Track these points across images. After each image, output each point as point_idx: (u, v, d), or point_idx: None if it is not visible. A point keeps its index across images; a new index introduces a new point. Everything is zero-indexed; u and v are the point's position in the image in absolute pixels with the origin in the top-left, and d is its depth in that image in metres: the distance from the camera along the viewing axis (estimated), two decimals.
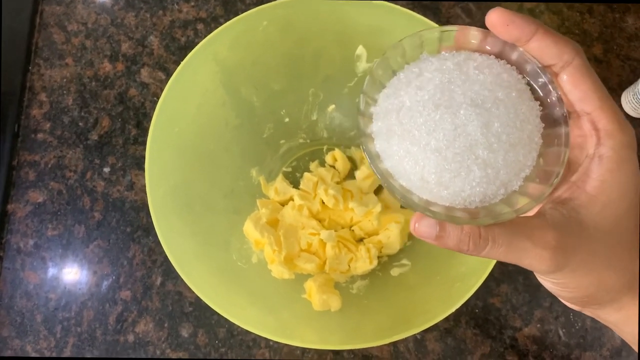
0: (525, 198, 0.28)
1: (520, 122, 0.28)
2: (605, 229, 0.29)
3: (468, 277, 0.45)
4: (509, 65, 0.30)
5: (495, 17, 0.28)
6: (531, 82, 0.30)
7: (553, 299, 0.55)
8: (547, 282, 0.32)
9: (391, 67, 0.31)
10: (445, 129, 0.27)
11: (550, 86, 0.29)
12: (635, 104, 0.58)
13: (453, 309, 0.44)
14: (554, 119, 0.29)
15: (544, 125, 0.29)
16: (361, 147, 0.30)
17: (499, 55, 0.30)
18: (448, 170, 0.27)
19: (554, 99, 0.29)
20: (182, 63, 0.48)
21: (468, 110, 0.27)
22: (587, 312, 0.33)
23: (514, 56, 0.30)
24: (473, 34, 0.30)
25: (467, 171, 0.27)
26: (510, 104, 0.28)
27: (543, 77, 0.29)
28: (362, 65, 0.54)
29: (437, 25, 0.47)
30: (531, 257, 0.28)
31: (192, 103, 0.50)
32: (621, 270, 0.30)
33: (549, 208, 0.29)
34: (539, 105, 0.29)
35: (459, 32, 0.30)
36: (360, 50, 0.53)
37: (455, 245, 0.28)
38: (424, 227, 0.29)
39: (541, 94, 0.30)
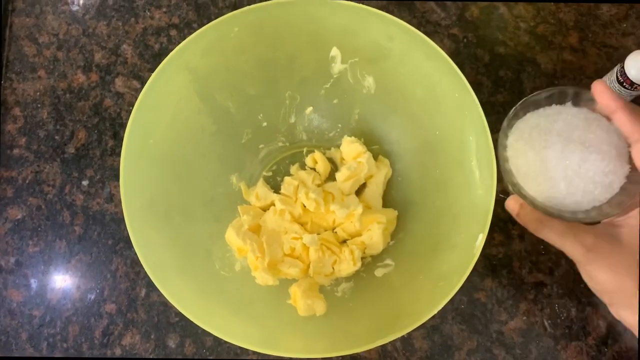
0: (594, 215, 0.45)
1: (607, 173, 0.45)
2: (633, 249, 0.42)
3: (450, 275, 0.45)
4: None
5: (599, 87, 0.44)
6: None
7: (537, 291, 0.56)
8: (583, 274, 0.43)
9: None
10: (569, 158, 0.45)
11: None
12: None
13: (437, 309, 0.44)
14: (635, 181, 0.45)
15: (625, 182, 0.45)
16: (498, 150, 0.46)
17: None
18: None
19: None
20: (153, 74, 0.47)
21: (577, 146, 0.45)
22: (613, 311, 0.43)
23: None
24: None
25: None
26: (609, 158, 0.44)
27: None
28: (337, 67, 0.54)
29: (407, 25, 0.47)
30: (571, 246, 0.42)
31: (165, 113, 0.50)
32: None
33: (602, 223, 0.45)
34: (630, 167, 0.45)
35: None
36: (335, 51, 0.53)
37: (525, 223, 0.44)
38: (511, 201, 0.45)
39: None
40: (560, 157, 0.45)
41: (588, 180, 0.45)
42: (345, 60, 0.53)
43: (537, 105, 0.48)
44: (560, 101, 0.49)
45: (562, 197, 0.46)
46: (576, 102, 0.49)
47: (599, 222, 0.47)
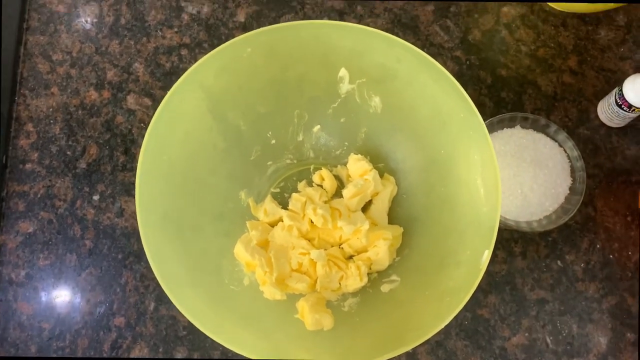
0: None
1: (555, 186, 0.56)
2: None
3: (457, 291, 0.46)
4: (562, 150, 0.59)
5: None
6: (572, 164, 0.58)
7: (539, 307, 0.57)
8: None
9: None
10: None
11: (582, 172, 0.56)
12: (611, 113, 0.60)
13: (444, 324, 0.45)
14: (575, 190, 0.57)
15: (568, 193, 0.57)
16: None
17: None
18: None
19: (580, 177, 0.56)
20: (169, 93, 0.48)
21: (529, 166, 0.57)
22: None
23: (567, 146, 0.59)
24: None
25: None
26: (555, 172, 0.56)
27: (580, 162, 0.57)
28: (345, 87, 0.56)
29: (414, 47, 0.49)
30: None
31: (179, 131, 0.51)
32: None
33: None
34: (571, 179, 0.58)
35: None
36: (343, 72, 0.54)
37: None
38: None
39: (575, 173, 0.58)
40: (514, 176, 0.56)
41: (540, 194, 0.56)
42: (353, 80, 0.55)
43: (491, 129, 0.59)
44: (511, 125, 0.60)
45: (519, 211, 0.56)
46: (524, 125, 0.59)
47: (549, 230, 0.57)
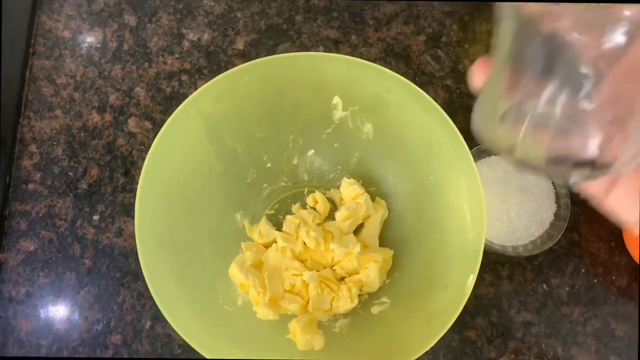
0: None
1: (540, 212, 0.58)
2: None
3: (443, 313, 0.48)
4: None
5: None
6: (556, 191, 0.60)
7: (526, 330, 0.58)
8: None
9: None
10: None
11: (567, 199, 0.58)
12: None
13: (430, 346, 0.46)
14: (560, 216, 0.58)
15: (553, 219, 0.59)
16: None
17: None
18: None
19: (565, 204, 0.58)
20: (169, 119, 0.50)
21: (516, 192, 0.58)
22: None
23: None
24: None
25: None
26: (540, 199, 0.58)
27: (565, 189, 0.58)
28: (338, 113, 0.58)
29: (404, 79, 0.51)
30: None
31: (178, 154, 0.53)
32: None
33: None
34: (556, 206, 0.59)
35: None
36: (336, 100, 0.57)
37: None
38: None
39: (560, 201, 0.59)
40: (501, 202, 0.59)
41: (526, 219, 0.58)
42: (346, 108, 0.57)
43: (479, 156, 0.62)
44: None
45: (505, 235, 0.59)
46: None
47: (535, 255, 0.59)
